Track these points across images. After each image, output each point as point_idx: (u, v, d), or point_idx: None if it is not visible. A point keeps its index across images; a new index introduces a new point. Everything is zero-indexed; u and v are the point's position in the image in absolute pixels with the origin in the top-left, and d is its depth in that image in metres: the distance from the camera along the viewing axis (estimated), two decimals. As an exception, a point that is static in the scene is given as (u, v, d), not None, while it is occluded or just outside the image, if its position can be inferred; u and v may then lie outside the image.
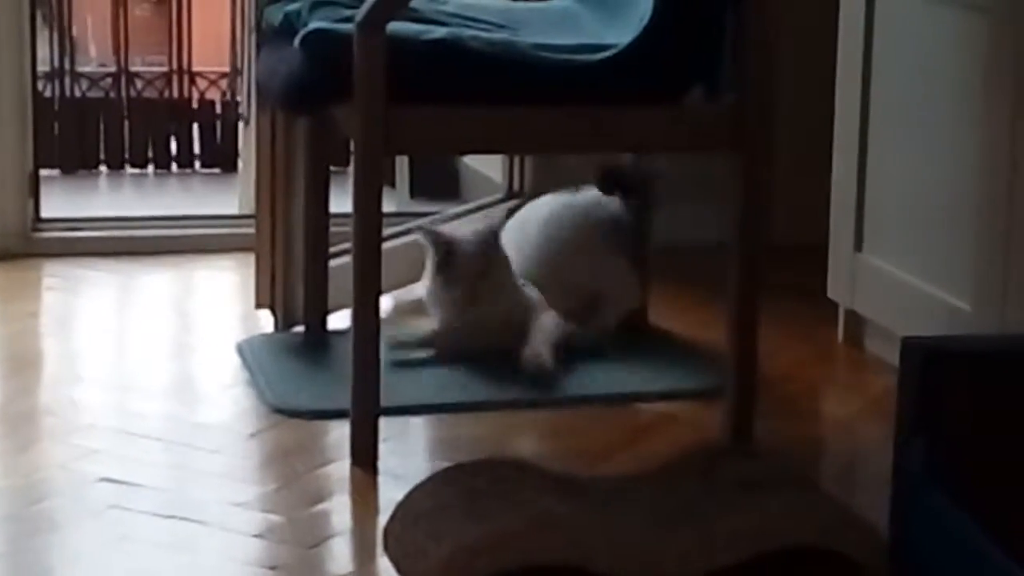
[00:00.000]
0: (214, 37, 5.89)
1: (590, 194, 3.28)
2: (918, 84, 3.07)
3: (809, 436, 2.90)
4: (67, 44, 5.70)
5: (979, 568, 2.08)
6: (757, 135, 2.70)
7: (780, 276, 3.37)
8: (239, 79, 5.42)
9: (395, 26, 2.61)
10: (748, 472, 2.40)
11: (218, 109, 5.78)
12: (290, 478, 2.60)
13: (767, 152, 2.71)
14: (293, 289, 3.26)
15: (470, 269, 3.04)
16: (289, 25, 2.85)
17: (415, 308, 3.24)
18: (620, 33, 2.75)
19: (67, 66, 5.66)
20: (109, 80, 5.71)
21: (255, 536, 2.38)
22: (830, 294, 3.36)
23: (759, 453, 2.66)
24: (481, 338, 3.04)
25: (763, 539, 2.24)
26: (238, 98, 5.48)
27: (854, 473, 2.79)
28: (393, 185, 4.77)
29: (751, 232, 2.73)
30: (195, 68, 5.81)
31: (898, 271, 3.12)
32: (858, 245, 3.26)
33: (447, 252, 3.04)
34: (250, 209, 3.58)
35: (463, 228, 3.12)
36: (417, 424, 2.85)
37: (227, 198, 4.99)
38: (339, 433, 2.72)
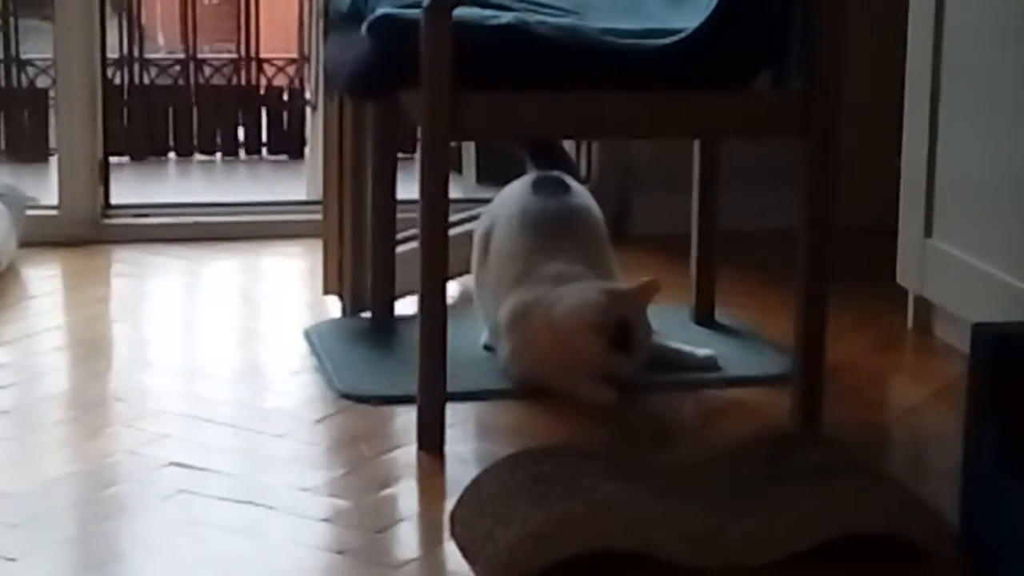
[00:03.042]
0: (281, 24, 5.92)
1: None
2: (990, 66, 3.04)
3: (877, 423, 2.88)
4: (136, 31, 5.74)
5: (1050, 556, 2.06)
6: (826, 120, 2.68)
7: (848, 262, 3.35)
8: (307, 66, 5.44)
9: (462, 11, 2.61)
10: (815, 459, 2.39)
11: (286, 96, 5.81)
12: (357, 463, 2.60)
13: (836, 137, 2.69)
14: (361, 275, 3.26)
15: (645, 339, 2.89)
16: (356, 11, 2.85)
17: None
18: (687, 18, 2.74)
19: (136, 53, 5.70)
20: (177, 67, 5.75)
21: (323, 520, 2.38)
22: (899, 280, 3.33)
23: (827, 440, 2.65)
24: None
25: (830, 526, 2.23)
26: (306, 85, 5.50)
27: (923, 461, 2.77)
28: (460, 171, 4.77)
29: (820, 218, 2.71)
30: (263, 55, 5.84)
31: (968, 257, 3.10)
32: (928, 231, 3.24)
33: (624, 328, 2.85)
34: (318, 195, 3.59)
35: (603, 292, 2.88)
36: (483, 409, 2.85)
37: (295, 184, 5.02)
38: (406, 418, 2.73)
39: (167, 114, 5.66)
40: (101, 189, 3.93)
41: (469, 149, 4.74)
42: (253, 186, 5.47)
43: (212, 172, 5.65)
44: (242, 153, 5.74)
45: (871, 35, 3.70)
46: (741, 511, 2.23)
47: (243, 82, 5.82)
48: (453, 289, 3.30)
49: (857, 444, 2.69)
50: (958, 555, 2.26)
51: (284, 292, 3.59)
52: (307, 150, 5.22)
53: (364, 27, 2.71)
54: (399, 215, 3.21)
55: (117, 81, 5.58)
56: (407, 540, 2.38)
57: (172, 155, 5.67)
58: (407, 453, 2.65)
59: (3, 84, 5.60)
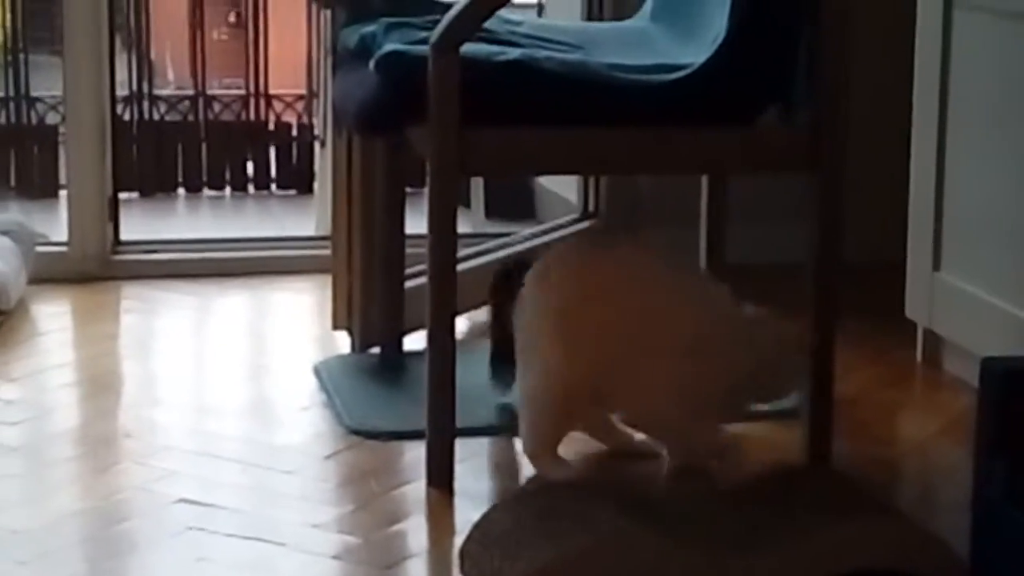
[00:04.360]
0: (290, 60, 5.95)
1: None
2: (997, 100, 3.05)
3: (887, 457, 2.88)
4: (146, 68, 5.77)
5: (1061, 591, 2.06)
6: (833, 156, 2.68)
7: (857, 296, 3.35)
8: (315, 102, 5.46)
9: (469, 48, 2.62)
10: (825, 494, 2.38)
11: (294, 131, 5.84)
12: (367, 499, 2.60)
13: (843, 172, 2.70)
14: (369, 310, 3.27)
15: None
16: (364, 48, 2.86)
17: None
18: (695, 53, 2.75)
19: (146, 90, 5.72)
20: (187, 103, 5.78)
21: (332, 557, 2.38)
22: (908, 314, 3.33)
23: (836, 475, 2.64)
24: None
25: (840, 561, 2.22)
26: (314, 120, 5.52)
27: (933, 495, 2.77)
28: (468, 206, 4.78)
29: (828, 252, 2.71)
30: (272, 91, 5.86)
31: (977, 290, 3.10)
32: (936, 264, 3.24)
33: None
34: (326, 231, 3.60)
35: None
36: (493, 445, 2.85)
37: (303, 220, 5.03)
38: (415, 454, 2.73)
39: (176, 150, 5.68)
40: (111, 225, 3.94)
41: (478, 184, 4.76)
42: (262, 221, 5.48)
43: (221, 208, 5.67)
44: (251, 188, 5.76)
45: (878, 70, 3.70)
46: (751, 547, 2.23)
47: (252, 118, 5.85)
48: (462, 324, 3.30)
49: (866, 478, 2.69)
50: (969, 590, 2.25)
51: (293, 327, 3.59)
52: (316, 185, 5.24)
53: (372, 63, 2.72)
54: (408, 250, 3.22)
55: (127, 117, 5.60)
56: (416, 576, 2.38)
57: (181, 191, 5.69)
58: (416, 489, 2.64)
59: (13, 120, 5.62)
